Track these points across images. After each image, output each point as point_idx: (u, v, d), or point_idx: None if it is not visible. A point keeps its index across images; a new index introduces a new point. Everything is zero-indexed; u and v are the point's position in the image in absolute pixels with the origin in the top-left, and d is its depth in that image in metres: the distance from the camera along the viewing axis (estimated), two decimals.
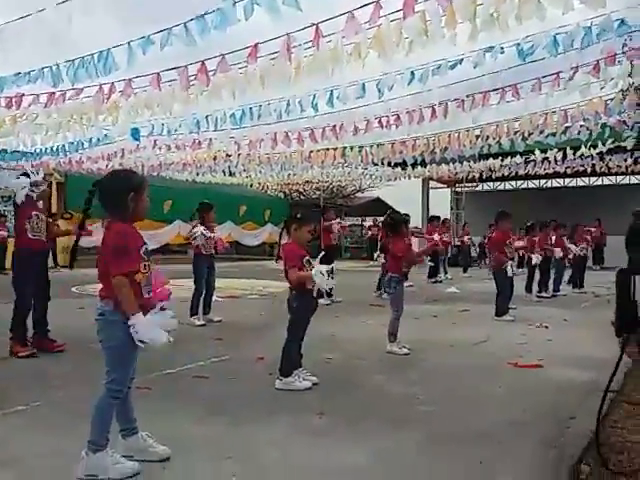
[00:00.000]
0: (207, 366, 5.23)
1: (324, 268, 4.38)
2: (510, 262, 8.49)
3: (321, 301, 9.35)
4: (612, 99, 8.60)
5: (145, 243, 2.98)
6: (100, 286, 2.93)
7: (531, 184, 27.09)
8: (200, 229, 7.62)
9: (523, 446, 3.38)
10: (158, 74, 6.57)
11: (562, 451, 3.27)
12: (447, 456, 3.24)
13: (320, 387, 4.54)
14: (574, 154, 12.88)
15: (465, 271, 17.45)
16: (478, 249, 21.60)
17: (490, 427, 3.69)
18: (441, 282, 14.45)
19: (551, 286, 11.61)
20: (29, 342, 5.68)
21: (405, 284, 6.26)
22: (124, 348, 2.84)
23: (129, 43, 5.65)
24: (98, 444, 2.81)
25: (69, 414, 3.63)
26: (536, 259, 10.23)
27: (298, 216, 4.70)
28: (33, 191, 5.72)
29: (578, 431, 3.51)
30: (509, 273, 8.35)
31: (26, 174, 5.82)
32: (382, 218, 11.72)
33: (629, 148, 12.17)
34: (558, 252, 11.50)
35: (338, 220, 11.64)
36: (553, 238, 11.69)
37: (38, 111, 7.65)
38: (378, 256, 10.09)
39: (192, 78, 6.36)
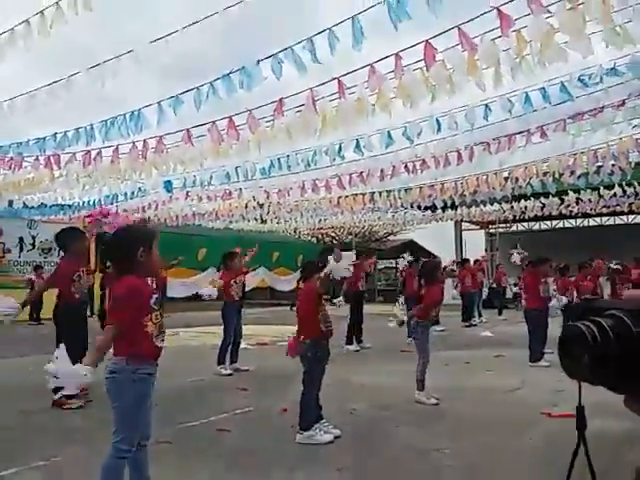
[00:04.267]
0: (230, 418, 5.20)
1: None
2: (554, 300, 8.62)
3: (350, 347, 9.43)
4: None
5: (155, 293, 2.95)
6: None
7: (567, 223, 26.64)
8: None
9: None
10: (188, 130, 6.81)
11: None
12: None
13: (342, 440, 4.47)
14: (608, 194, 12.68)
15: (500, 313, 17.08)
16: (514, 288, 21.14)
17: None
18: (475, 325, 14.15)
19: None
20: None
21: (438, 328, 6.16)
22: (133, 407, 2.83)
23: (159, 103, 5.91)
24: None
25: (88, 470, 3.58)
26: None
27: (320, 265, 4.70)
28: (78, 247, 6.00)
29: None
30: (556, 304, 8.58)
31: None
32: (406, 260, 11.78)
33: None
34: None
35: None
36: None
37: (75, 169, 7.96)
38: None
39: (222, 132, 6.56)
